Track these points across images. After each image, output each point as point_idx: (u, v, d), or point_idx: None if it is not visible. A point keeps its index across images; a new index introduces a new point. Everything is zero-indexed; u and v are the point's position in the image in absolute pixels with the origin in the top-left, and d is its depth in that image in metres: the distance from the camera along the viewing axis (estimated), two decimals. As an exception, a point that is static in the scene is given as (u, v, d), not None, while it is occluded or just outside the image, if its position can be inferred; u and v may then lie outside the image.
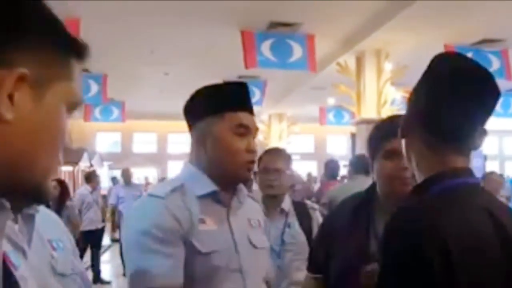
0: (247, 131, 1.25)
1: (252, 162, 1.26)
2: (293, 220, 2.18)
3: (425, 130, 0.93)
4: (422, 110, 0.94)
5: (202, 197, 1.22)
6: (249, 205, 1.36)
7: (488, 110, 0.93)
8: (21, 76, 0.51)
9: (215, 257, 1.17)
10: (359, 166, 3.67)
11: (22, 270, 0.61)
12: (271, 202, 2.16)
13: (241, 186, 1.32)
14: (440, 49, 6.94)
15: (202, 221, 1.19)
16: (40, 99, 0.54)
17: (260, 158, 2.20)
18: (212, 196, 1.24)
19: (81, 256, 6.83)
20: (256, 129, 1.29)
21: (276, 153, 2.28)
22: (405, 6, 5.95)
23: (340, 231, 1.37)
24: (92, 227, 6.47)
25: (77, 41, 0.59)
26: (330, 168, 5.13)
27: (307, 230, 2.17)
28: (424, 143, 0.94)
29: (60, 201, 5.13)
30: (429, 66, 0.96)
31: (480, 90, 0.91)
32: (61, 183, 5.40)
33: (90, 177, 6.87)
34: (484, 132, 0.95)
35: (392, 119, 1.32)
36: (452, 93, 0.91)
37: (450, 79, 0.92)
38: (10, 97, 0.51)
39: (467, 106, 0.91)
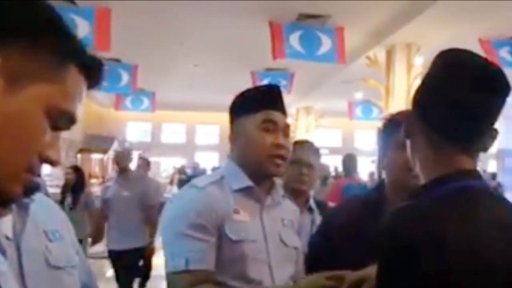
0: (275, 127, 1.30)
1: (280, 156, 1.29)
2: (317, 217, 2.07)
3: (431, 128, 0.88)
4: (428, 107, 0.89)
5: (237, 191, 1.29)
6: (285, 206, 1.41)
7: (498, 109, 0.87)
8: None
9: (244, 246, 1.22)
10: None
11: (2, 266, 0.60)
12: (297, 198, 2.01)
13: (277, 186, 1.37)
14: (474, 43, 6.77)
15: (236, 211, 1.25)
16: (13, 93, 0.51)
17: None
18: (247, 191, 1.30)
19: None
20: (286, 126, 1.33)
21: (307, 145, 2.18)
22: (438, -1, 5.82)
23: (345, 232, 1.35)
24: None
25: (81, 51, 0.58)
26: (346, 164, 4.92)
27: None
28: (430, 143, 0.89)
29: (75, 188, 5.05)
30: (434, 62, 0.91)
31: (490, 88, 0.85)
32: (77, 170, 5.37)
33: None
34: (495, 132, 0.89)
35: (403, 113, 1.32)
36: (459, 89, 0.85)
37: (457, 75, 0.87)
38: None
39: (475, 104, 0.85)
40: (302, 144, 2.18)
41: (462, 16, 6.34)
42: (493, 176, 11.29)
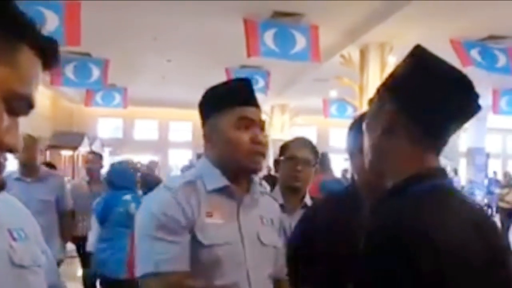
0: (251, 123, 1.26)
1: (259, 153, 1.25)
2: None
3: (413, 122, 0.88)
4: (411, 103, 0.88)
5: (213, 191, 1.25)
6: (265, 203, 1.38)
7: (470, 116, 0.91)
8: None
9: (218, 250, 1.19)
10: None
11: None
12: (293, 195, 2.01)
13: (256, 184, 1.34)
14: (445, 44, 6.90)
15: (209, 214, 1.21)
16: None
17: (286, 146, 2.09)
18: (223, 191, 1.26)
19: None
20: (262, 121, 1.29)
21: (304, 142, 2.12)
22: (411, -1, 5.90)
23: (323, 232, 1.38)
24: None
25: (33, 31, 0.55)
26: (323, 161, 5.22)
27: None
28: (407, 139, 0.89)
29: None
30: (408, 58, 0.92)
31: (466, 91, 0.88)
32: (51, 166, 5.11)
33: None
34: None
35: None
36: (439, 87, 0.87)
37: (435, 75, 0.88)
38: None
39: (455, 104, 0.87)
40: (298, 141, 2.14)
41: (434, 18, 6.45)
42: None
